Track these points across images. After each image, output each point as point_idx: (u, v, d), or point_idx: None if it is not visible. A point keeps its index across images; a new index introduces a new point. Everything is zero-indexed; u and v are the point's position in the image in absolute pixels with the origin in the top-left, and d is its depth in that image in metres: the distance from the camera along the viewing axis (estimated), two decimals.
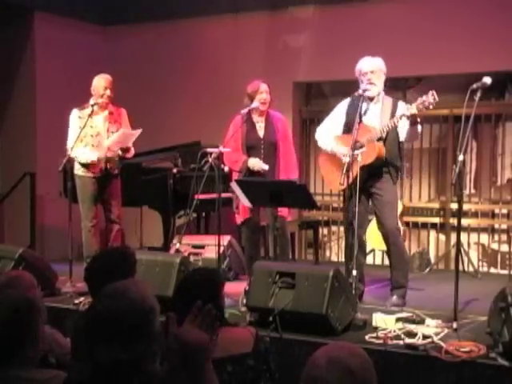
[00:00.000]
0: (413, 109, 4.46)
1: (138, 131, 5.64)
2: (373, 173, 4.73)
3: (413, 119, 4.52)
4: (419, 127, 4.67)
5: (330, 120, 5.03)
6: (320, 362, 1.62)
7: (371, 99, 4.81)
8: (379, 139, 4.71)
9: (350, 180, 4.43)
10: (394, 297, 4.75)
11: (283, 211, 5.20)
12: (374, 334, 3.86)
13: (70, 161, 5.54)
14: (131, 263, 3.04)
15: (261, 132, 5.36)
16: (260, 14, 7.58)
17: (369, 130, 4.71)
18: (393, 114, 4.71)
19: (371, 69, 4.76)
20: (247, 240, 5.51)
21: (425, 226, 7.33)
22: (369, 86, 4.72)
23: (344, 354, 1.63)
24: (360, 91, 4.68)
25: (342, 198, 7.07)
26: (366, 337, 3.84)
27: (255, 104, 5.23)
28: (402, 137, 4.78)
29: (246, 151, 5.33)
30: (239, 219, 5.42)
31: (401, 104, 4.79)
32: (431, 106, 4.44)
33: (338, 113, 4.98)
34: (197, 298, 2.49)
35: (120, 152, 5.70)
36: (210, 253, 5.58)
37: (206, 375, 1.83)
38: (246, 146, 5.32)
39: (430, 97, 4.40)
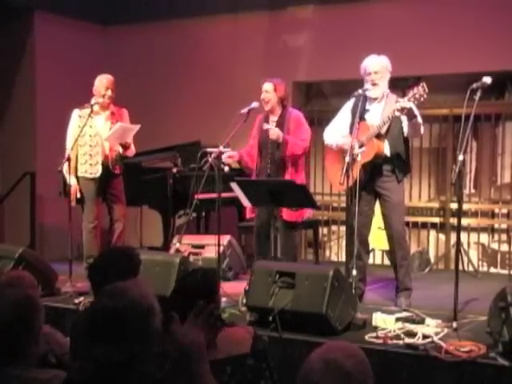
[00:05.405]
0: (405, 102, 4.47)
1: (137, 126, 5.64)
2: (376, 171, 4.74)
3: (409, 113, 4.52)
4: (419, 120, 4.63)
5: (337, 121, 5.06)
6: (315, 366, 1.58)
7: (375, 98, 4.82)
8: (378, 136, 4.71)
9: (351, 180, 4.43)
10: (402, 298, 4.74)
11: (286, 214, 5.16)
12: (374, 334, 3.86)
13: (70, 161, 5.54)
14: (135, 264, 3.03)
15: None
16: (259, 14, 7.58)
17: (368, 128, 4.72)
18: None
19: (375, 69, 4.75)
20: (254, 233, 5.49)
21: (425, 225, 7.33)
22: (371, 87, 4.73)
23: (340, 356, 1.59)
24: (360, 91, 4.68)
25: (342, 198, 7.09)
26: (366, 337, 3.84)
27: (254, 104, 5.24)
28: (406, 133, 4.78)
29: (258, 149, 5.40)
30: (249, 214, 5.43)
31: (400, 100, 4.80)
32: (422, 98, 4.43)
33: (344, 114, 4.99)
34: (194, 298, 2.49)
35: (120, 149, 5.69)
36: (210, 252, 5.58)
37: (202, 377, 1.83)
38: (258, 144, 5.40)
39: (421, 88, 4.42)
